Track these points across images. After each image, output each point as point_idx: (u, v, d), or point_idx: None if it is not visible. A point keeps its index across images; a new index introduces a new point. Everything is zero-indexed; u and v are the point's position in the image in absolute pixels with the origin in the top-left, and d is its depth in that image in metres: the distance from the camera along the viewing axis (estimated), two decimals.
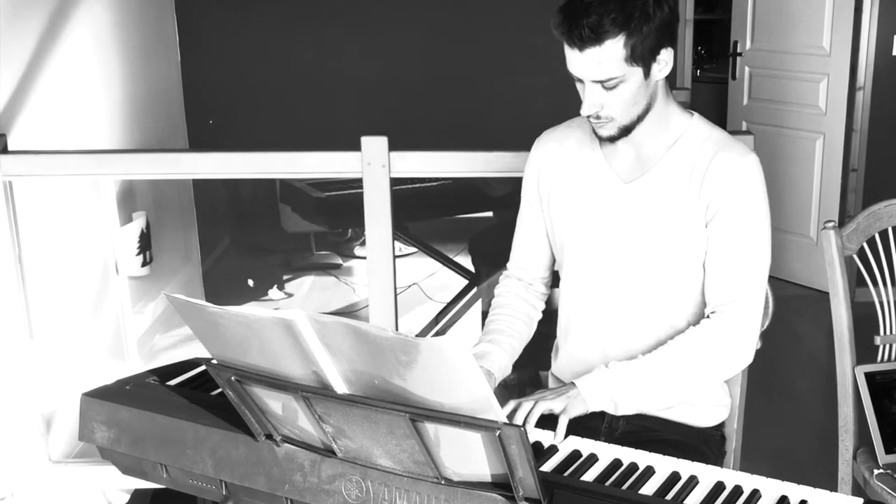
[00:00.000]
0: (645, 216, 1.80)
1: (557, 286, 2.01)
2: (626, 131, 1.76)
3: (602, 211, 1.84)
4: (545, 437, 1.63)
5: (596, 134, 1.79)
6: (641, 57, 1.67)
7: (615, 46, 1.64)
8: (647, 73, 1.70)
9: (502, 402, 1.64)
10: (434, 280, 4.62)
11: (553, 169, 1.90)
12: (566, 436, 1.63)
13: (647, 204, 1.80)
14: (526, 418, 1.66)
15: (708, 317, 1.80)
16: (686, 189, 1.78)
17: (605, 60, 1.65)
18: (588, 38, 1.63)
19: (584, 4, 1.63)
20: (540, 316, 2.02)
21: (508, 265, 2.04)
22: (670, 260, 1.80)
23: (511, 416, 1.67)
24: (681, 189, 1.78)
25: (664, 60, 1.71)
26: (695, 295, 1.84)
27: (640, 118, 1.75)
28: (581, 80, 1.71)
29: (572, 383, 1.74)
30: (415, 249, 4.59)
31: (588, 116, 1.74)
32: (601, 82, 1.68)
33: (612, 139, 1.77)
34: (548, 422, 1.66)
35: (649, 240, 1.80)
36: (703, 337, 1.78)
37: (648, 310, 1.84)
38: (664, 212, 1.79)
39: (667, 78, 1.77)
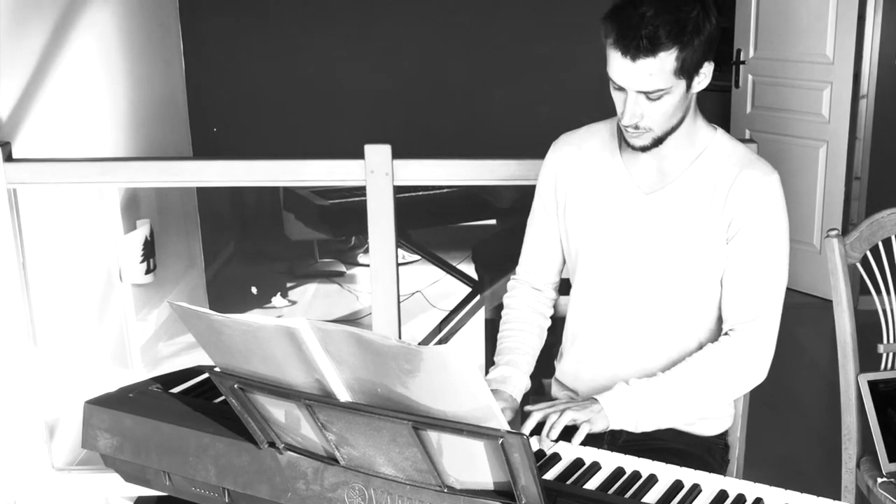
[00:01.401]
0: (664, 228, 1.79)
1: (565, 293, 2.00)
2: (658, 142, 1.75)
3: (620, 220, 1.83)
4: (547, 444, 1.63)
5: (628, 143, 1.77)
6: (688, 70, 1.66)
7: (668, 59, 1.63)
8: (689, 86, 1.69)
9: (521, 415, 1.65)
10: (437, 288, 4.62)
11: (570, 173, 1.89)
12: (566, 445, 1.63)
13: (667, 216, 1.79)
14: (552, 427, 1.64)
15: (727, 333, 1.80)
16: (708, 205, 1.77)
17: (656, 72, 1.64)
18: (644, 48, 1.61)
19: (640, 14, 1.61)
20: (549, 324, 2.01)
21: (518, 269, 2.02)
22: (687, 273, 1.80)
23: (538, 427, 1.67)
24: (703, 204, 1.77)
25: (705, 73, 1.70)
26: (708, 309, 1.83)
27: (674, 130, 1.74)
28: (622, 89, 1.69)
29: (595, 399, 1.73)
30: (418, 257, 4.59)
31: (626, 126, 1.73)
32: (646, 93, 1.67)
33: (645, 149, 1.76)
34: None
35: (667, 252, 1.80)
36: (722, 355, 1.78)
37: (660, 321, 1.83)
38: (684, 225, 1.78)
39: None
